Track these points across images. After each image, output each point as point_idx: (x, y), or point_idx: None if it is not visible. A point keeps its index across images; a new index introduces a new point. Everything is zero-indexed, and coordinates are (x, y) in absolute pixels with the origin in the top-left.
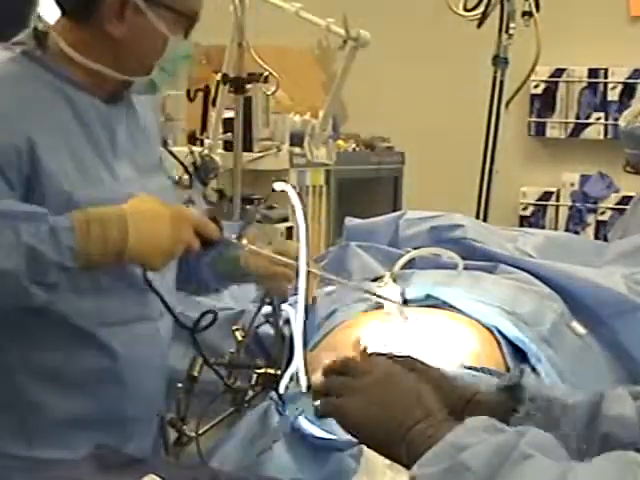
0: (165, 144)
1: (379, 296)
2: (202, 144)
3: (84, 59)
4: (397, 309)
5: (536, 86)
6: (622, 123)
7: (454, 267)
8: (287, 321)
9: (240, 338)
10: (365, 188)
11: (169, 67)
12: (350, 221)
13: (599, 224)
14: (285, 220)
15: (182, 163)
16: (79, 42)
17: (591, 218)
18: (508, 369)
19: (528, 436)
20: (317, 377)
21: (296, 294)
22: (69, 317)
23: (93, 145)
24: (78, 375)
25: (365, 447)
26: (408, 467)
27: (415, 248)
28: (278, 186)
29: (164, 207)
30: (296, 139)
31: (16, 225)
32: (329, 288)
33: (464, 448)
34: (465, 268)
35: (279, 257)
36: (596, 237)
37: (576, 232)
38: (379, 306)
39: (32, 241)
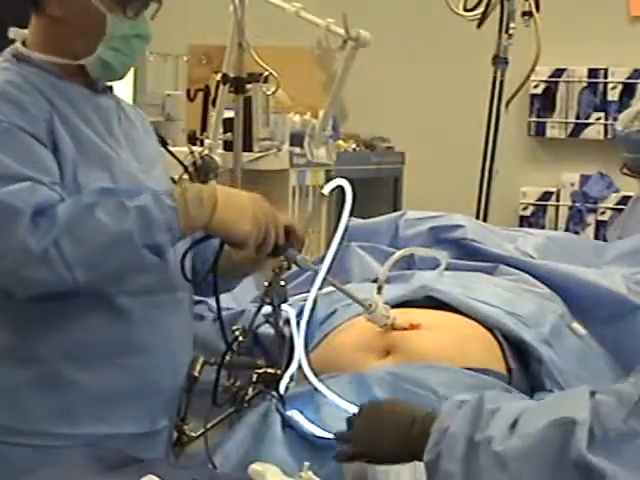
0: (165, 144)
1: (356, 299)
2: (202, 144)
3: (32, 52)
4: (380, 314)
5: (536, 86)
6: (618, 127)
7: (455, 268)
8: (287, 321)
9: (240, 338)
10: (365, 188)
11: (121, 46)
12: (350, 221)
13: (599, 224)
14: None
15: (182, 163)
16: (38, 36)
17: (591, 218)
18: (509, 370)
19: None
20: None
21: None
22: (98, 291)
23: (91, 128)
24: (108, 349)
25: None
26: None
27: None
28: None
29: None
30: (296, 139)
31: (119, 197)
32: (331, 287)
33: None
34: (465, 269)
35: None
36: (596, 237)
37: (576, 232)
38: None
39: (139, 203)
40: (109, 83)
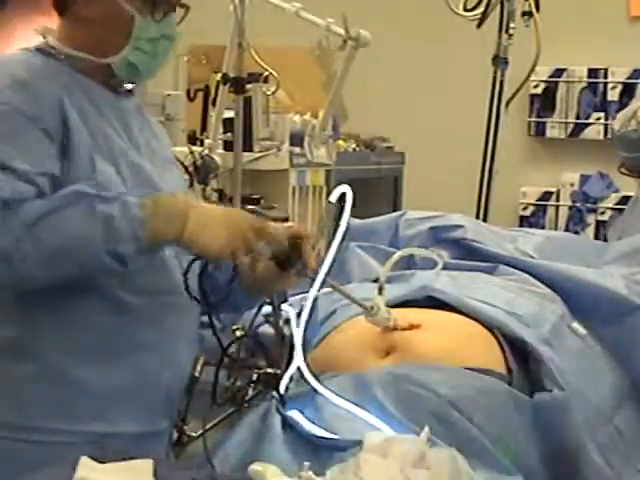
0: None
1: (357, 302)
2: (202, 144)
3: (63, 47)
4: (383, 314)
5: (536, 86)
6: (615, 127)
7: (455, 268)
8: (287, 321)
9: (239, 335)
10: (365, 188)
11: (146, 48)
12: (350, 221)
13: (599, 224)
14: (285, 220)
15: (182, 163)
16: (66, 35)
17: (591, 218)
18: (509, 370)
19: None
20: None
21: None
22: (103, 289)
23: (111, 129)
24: (112, 346)
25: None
26: None
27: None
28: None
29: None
30: (296, 139)
31: (91, 200)
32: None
33: None
34: (465, 269)
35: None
36: (596, 237)
37: (576, 232)
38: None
39: (106, 210)
40: (130, 87)
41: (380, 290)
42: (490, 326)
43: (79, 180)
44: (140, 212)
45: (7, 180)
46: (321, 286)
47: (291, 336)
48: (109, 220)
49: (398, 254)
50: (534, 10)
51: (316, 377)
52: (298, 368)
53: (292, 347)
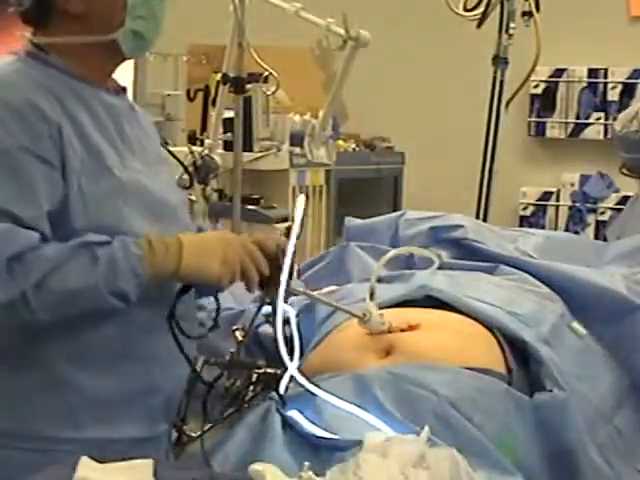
0: (165, 144)
1: (348, 311)
2: (202, 144)
3: (66, 33)
4: (375, 319)
5: (536, 86)
6: (617, 127)
7: (455, 268)
8: (287, 321)
9: (240, 338)
10: (365, 188)
11: (144, 12)
12: (350, 221)
13: (599, 224)
14: (285, 220)
15: (182, 163)
16: (56, 35)
17: (591, 218)
18: (509, 369)
19: None
20: None
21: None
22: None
23: (102, 132)
24: (112, 354)
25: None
26: None
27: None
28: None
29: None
30: (296, 139)
31: (93, 248)
32: (331, 287)
33: None
34: (465, 269)
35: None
36: (596, 237)
37: (576, 232)
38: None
39: (107, 253)
40: (123, 84)
41: (371, 295)
42: (490, 326)
43: (72, 202)
44: (137, 249)
45: (11, 233)
46: (286, 298)
47: (291, 336)
48: (112, 262)
49: (392, 252)
50: (534, 10)
51: (311, 382)
52: (292, 376)
53: (292, 347)
